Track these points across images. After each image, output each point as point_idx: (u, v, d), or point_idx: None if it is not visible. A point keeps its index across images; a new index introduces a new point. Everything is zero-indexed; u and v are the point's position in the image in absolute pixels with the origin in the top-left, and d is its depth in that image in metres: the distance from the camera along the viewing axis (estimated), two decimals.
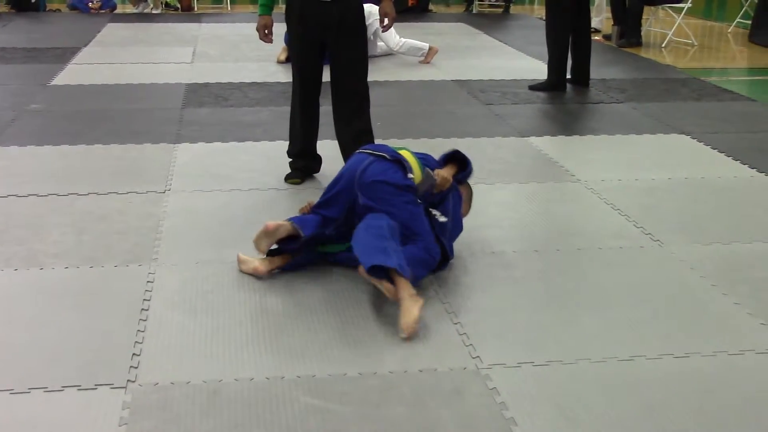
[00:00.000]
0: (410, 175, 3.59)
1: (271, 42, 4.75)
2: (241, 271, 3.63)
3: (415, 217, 3.53)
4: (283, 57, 8.00)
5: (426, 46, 8.44)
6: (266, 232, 3.57)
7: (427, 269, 3.51)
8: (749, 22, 10.61)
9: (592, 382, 2.86)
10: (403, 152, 3.71)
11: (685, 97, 7.14)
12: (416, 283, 3.34)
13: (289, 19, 4.64)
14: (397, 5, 4.86)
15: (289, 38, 4.72)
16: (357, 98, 4.68)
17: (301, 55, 4.66)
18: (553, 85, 7.24)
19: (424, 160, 3.78)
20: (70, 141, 5.47)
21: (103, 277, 3.59)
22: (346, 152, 4.74)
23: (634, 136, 5.92)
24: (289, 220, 3.63)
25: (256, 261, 3.64)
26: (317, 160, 4.90)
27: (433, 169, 3.69)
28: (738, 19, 11.23)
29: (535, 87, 7.30)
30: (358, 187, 3.58)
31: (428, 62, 8.35)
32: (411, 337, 3.10)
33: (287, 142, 4.91)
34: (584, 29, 7.37)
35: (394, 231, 3.40)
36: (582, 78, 7.44)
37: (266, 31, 4.67)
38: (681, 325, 3.26)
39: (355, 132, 4.70)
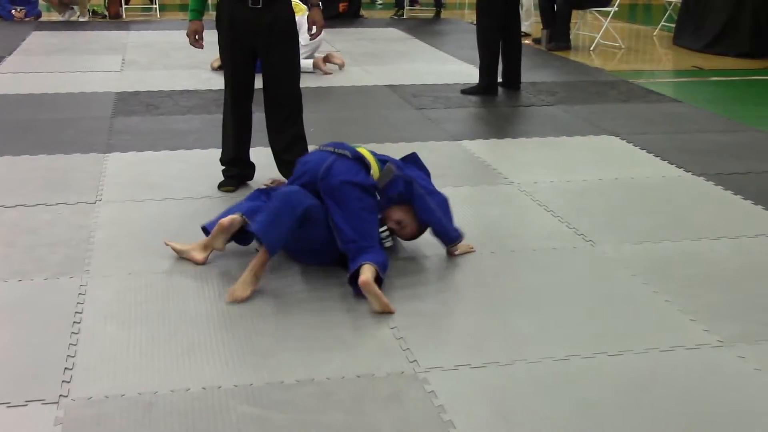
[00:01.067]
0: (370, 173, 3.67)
1: (202, 47, 4.71)
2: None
3: (369, 226, 3.59)
4: (216, 64, 7.89)
5: (309, 63, 8.04)
6: (221, 229, 3.65)
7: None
8: (673, 25, 10.85)
9: (528, 382, 2.89)
10: (360, 150, 3.76)
11: (614, 99, 7.27)
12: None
13: (219, 25, 4.61)
14: (327, 12, 4.85)
15: (220, 44, 4.68)
16: (290, 105, 4.67)
17: (233, 61, 4.62)
18: (484, 89, 7.31)
19: (381, 158, 3.84)
20: None
21: (32, 291, 3.51)
22: (280, 158, 4.74)
23: (566, 138, 6.01)
24: (239, 211, 3.70)
25: (193, 251, 3.77)
26: (251, 167, 4.87)
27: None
28: (663, 23, 11.48)
29: (467, 91, 7.35)
30: (322, 186, 3.62)
31: (331, 71, 8.22)
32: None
33: (219, 150, 4.87)
34: (514, 33, 7.45)
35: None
36: (513, 81, 7.52)
37: (197, 36, 4.63)
38: (614, 323, 3.31)
39: (288, 138, 4.69)
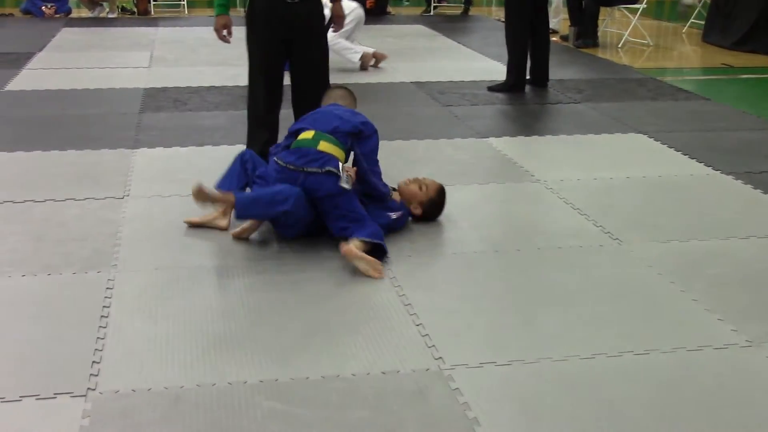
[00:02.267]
0: (342, 172, 3.85)
1: (230, 42, 4.75)
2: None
3: (354, 212, 3.86)
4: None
5: (360, 50, 8.18)
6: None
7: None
8: (702, 22, 10.76)
9: (553, 380, 2.88)
10: (324, 145, 3.90)
11: (642, 97, 7.22)
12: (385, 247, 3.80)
13: (252, 21, 4.63)
14: (324, 20, 4.88)
15: (252, 40, 4.68)
16: (319, 99, 4.68)
17: (268, 57, 4.64)
18: (511, 86, 7.28)
19: (347, 134, 4.01)
20: (25, 147, 5.39)
21: (61, 285, 3.55)
22: None
23: (592, 136, 5.98)
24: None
25: (215, 219, 4.08)
26: None
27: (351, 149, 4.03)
28: (692, 20, 11.38)
29: (494, 88, 7.33)
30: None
31: (369, 68, 8.23)
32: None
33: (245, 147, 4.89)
34: (542, 30, 7.42)
35: None
36: (541, 79, 7.50)
37: (225, 32, 4.67)
38: (640, 322, 3.29)
39: None
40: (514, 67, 7.30)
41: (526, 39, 7.28)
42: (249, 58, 4.76)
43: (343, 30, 7.43)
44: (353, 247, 3.66)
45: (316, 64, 4.69)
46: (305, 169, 3.85)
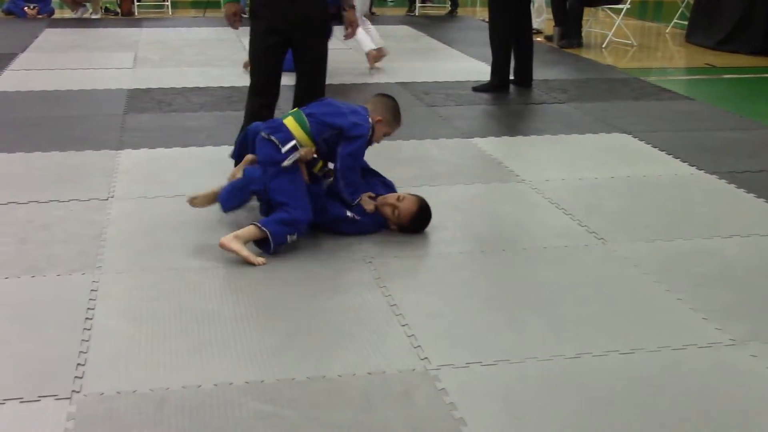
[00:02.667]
0: (288, 145, 3.91)
1: (238, 29, 4.97)
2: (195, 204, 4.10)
3: (280, 187, 3.91)
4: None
5: (369, 46, 8.24)
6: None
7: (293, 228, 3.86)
8: (686, 22, 10.81)
9: (539, 380, 2.89)
10: (288, 121, 4.01)
11: (626, 97, 7.25)
12: (280, 239, 3.80)
13: (255, 16, 4.75)
14: (326, 15, 4.96)
15: (255, 34, 4.79)
16: (316, 95, 4.74)
17: (266, 53, 4.75)
18: (496, 86, 7.30)
19: (323, 120, 4.04)
20: (8, 149, 5.37)
21: (45, 287, 3.53)
22: None
23: (577, 136, 6.00)
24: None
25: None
26: None
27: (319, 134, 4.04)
28: (675, 20, 11.44)
29: (479, 88, 7.35)
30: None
31: (372, 67, 8.29)
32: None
33: (231, 147, 4.87)
34: (526, 31, 7.44)
35: None
36: (525, 79, 7.51)
37: (235, 17, 4.86)
38: (625, 321, 3.30)
39: None
40: (499, 68, 7.32)
41: (511, 39, 7.30)
42: (249, 51, 4.89)
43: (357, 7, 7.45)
44: (228, 239, 3.75)
45: (315, 63, 4.81)
46: (262, 134, 4.01)
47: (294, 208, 3.85)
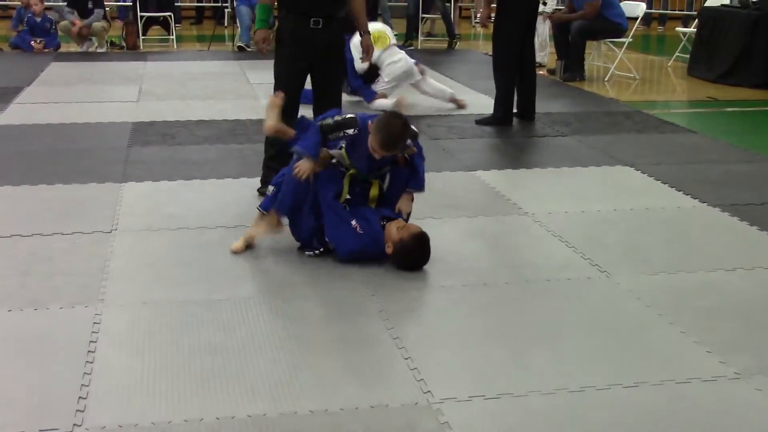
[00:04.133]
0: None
1: (266, 53, 5.16)
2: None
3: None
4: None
5: (387, 103, 7.78)
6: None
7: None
8: (688, 56, 10.86)
9: (542, 414, 2.87)
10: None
11: (629, 130, 7.27)
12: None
13: (280, 42, 4.96)
14: (344, 43, 5.06)
15: (278, 59, 4.98)
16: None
17: (289, 74, 4.95)
18: (500, 119, 7.32)
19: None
20: (12, 181, 5.38)
21: (48, 320, 3.53)
22: None
23: (580, 169, 6.01)
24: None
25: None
26: None
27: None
28: (677, 54, 11.49)
29: (482, 121, 7.37)
30: None
31: (460, 102, 8.05)
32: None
33: (235, 180, 4.91)
34: (529, 64, 7.48)
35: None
36: (528, 112, 7.54)
37: (264, 44, 5.06)
38: (629, 355, 3.29)
39: None
40: (501, 101, 7.35)
41: (514, 73, 7.34)
42: (274, 76, 5.03)
43: (387, 85, 7.49)
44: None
45: (333, 85, 5.08)
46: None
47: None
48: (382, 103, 7.52)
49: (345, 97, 6.78)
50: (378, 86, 7.79)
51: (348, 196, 4.14)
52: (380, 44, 7.53)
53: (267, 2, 5.06)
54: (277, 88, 4.97)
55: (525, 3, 7.31)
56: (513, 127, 7.31)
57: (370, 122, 4.08)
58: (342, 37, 5.09)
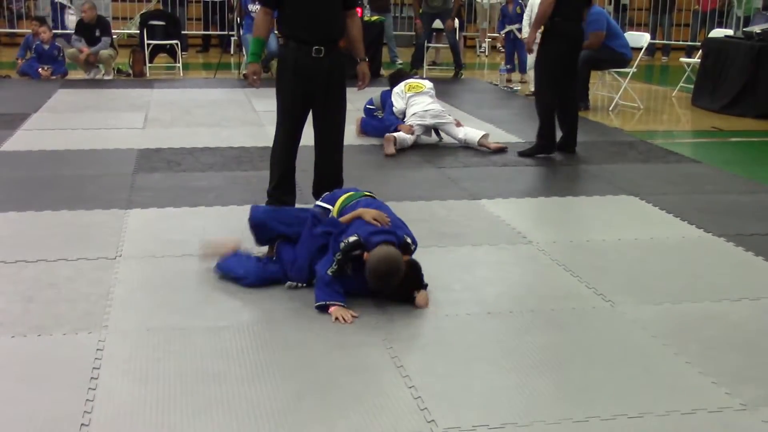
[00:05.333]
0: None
1: (257, 86, 5.11)
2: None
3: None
4: (391, 150, 7.29)
5: (480, 133, 7.67)
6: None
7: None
8: (692, 86, 10.89)
9: None
10: (340, 200, 4.33)
11: (633, 159, 7.28)
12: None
13: (283, 71, 4.97)
14: (348, 70, 5.05)
15: (279, 89, 4.99)
16: (336, 141, 5.10)
17: (293, 102, 4.96)
18: (541, 149, 7.29)
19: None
20: (18, 207, 5.40)
21: (51, 346, 3.52)
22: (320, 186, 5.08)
23: (584, 198, 6.01)
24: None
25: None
26: (292, 194, 5.18)
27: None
28: (681, 84, 11.53)
29: (525, 153, 7.32)
30: None
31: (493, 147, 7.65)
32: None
33: (239, 207, 4.91)
34: (571, 96, 7.46)
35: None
36: (570, 144, 7.46)
37: (255, 77, 5.05)
38: (634, 385, 3.28)
39: (331, 167, 5.13)
40: (544, 131, 7.28)
41: (555, 105, 7.29)
42: (277, 105, 5.04)
43: (415, 120, 7.52)
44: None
45: (334, 117, 5.04)
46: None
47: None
48: (401, 135, 7.45)
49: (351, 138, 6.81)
50: (406, 119, 7.72)
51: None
52: (414, 90, 7.83)
53: (261, 36, 5.01)
54: (279, 119, 5.03)
55: (569, 35, 7.25)
56: (517, 156, 7.30)
57: (366, 253, 3.91)
58: (344, 65, 5.03)
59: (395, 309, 3.93)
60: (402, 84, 7.93)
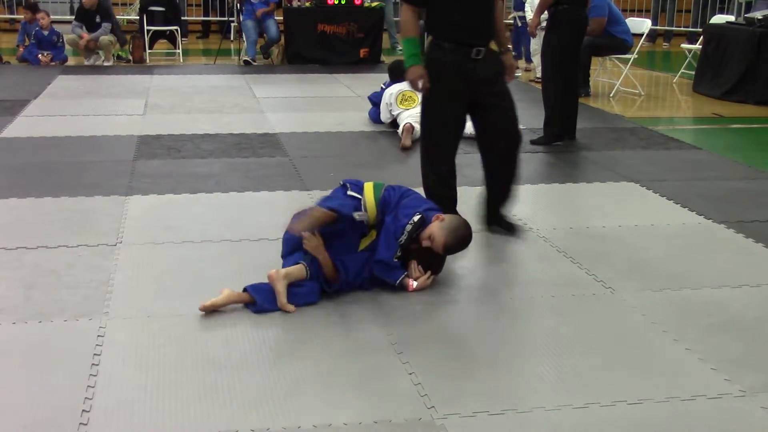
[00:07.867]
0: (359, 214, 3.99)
1: (427, 88, 4.51)
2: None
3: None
4: (408, 142, 7.08)
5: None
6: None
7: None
8: (693, 72, 10.87)
9: (547, 430, 2.87)
10: (366, 187, 4.14)
11: (634, 146, 7.27)
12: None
13: (438, 76, 4.49)
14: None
15: (435, 96, 4.54)
16: (515, 148, 4.81)
17: (452, 107, 4.58)
18: (555, 137, 7.26)
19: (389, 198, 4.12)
20: (18, 194, 5.40)
21: (52, 333, 3.53)
22: (499, 204, 4.94)
23: (585, 185, 6.01)
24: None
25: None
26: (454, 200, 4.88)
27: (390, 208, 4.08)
28: (682, 70, 11.50)
29: (537, 141, 7.29)
30: None
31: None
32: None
33: (240, 193, 4.90)
34: (572, 84, 7.44)
35: None
36: (570, 131, 7.45)
37: (423, 80, 4.48)
38: (634, 371, 3.28)
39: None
40: (553, 119, 7.25)
41: (562, 91, 7.27)
42: (423, 120, 4.69)
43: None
44: (279, 275, 3.75)
45: (509, 112, 4.67)
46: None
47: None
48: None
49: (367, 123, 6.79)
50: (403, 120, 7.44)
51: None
52: (406, 105, 7.42)
53: (413, 35, 4.56)
54: (430, 133, 4.68)
55: (575, 22, 7.22)
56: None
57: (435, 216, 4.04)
58: (503, 69, 4.62)
59: (395, 296, 3.93)
60: (396, 92, 7.48)
